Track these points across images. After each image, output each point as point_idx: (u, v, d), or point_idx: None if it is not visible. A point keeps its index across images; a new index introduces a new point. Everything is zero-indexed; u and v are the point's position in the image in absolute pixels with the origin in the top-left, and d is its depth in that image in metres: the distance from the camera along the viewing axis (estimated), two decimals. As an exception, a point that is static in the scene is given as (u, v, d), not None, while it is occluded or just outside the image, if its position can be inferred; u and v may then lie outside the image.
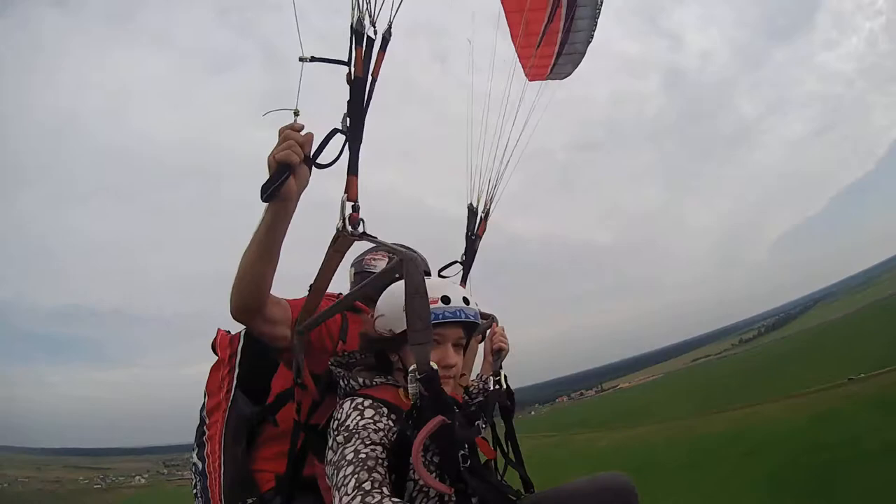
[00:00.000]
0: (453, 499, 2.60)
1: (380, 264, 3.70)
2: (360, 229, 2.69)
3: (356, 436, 2.48)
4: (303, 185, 2.64)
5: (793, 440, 11.72)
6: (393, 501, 2.18)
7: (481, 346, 3.84)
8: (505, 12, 4.69)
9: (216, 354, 3.38)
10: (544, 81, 4.89)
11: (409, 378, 2.44)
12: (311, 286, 2.91)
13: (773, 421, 15.25)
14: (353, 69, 2.71)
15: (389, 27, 2.78)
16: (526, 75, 4.73)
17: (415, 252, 2.49)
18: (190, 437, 3.39)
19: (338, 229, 2.66)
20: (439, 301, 2.79)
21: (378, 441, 2.47)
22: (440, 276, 3.97)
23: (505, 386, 3.41)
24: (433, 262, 3.96)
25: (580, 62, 5.08)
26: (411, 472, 2.56)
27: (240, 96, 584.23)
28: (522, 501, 3.05)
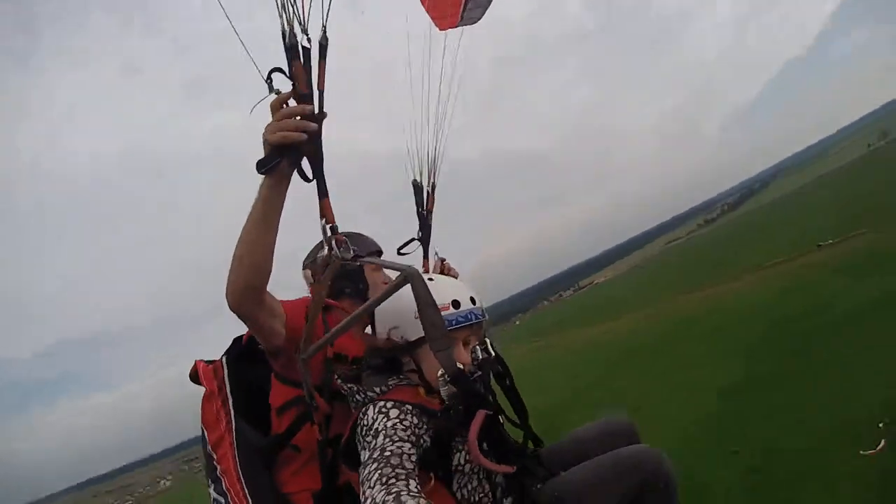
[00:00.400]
0: (500, 482, 2.87)
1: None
2: (350, 250, 2.60)
3: (385, 436, 2.49)
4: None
5: (764, 312, 11.94)
6: (412, 493, 2.15)
7: None
8: None
9: (197, 384, 3.29)
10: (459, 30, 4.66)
11: (440, 381, 2.48)
12: (306, 316, 2.91)
13: (744, 295, 15.57)
14: (295, 87, 2.49)
15: (324, 32, 2.54)
16: (438, 27, 4.57)
17: (411, 266, 2.34)
18: (196, 430, 3.32)
19: (326, 258, 2.61)
20: (450, 306, 2.84)
21: (405, 438, 2.49)
22: (399, 253, 4.05)
23: (493, 352, 3.29)
24: (390, 233, 4.04)
25: (488, 6, 4.87)
26: (456, 462, 2.72)
27: (160, 91, 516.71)
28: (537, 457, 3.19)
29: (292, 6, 2.44)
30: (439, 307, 2.51)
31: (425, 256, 4.21)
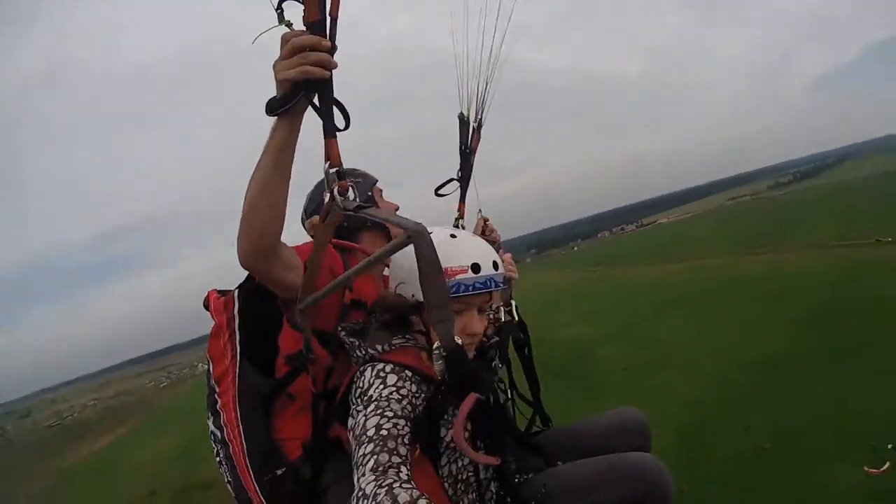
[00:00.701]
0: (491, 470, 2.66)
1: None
2: (352, 196, 2.16)
3: (377, 407, 2.31)
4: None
5: (819, 289, 11.77)
6: (404, 487, 1.95)
7: None
8: None
9: (208, 311, 3.23)
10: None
11: (434, 356, 2.16)
12: (305, 264, 2.55)
13: (800, 271, 15.23)
14: (304, 13, 2.09)
15: None
16: None
17: (418, 223, 2.03)
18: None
19: (326, 205, 2.22)
20: (469, 270, 2.57)
21: (400, 413, 2.31)
22: (437, 194, 3.74)
23: (517, 316, 3.33)
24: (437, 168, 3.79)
25: None
26: (443, 438, 2.52)
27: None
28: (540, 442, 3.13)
29: None
30: (457, 269, 2.53)
31: (462, 199, 3.88)
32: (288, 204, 2.46)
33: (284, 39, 2.12)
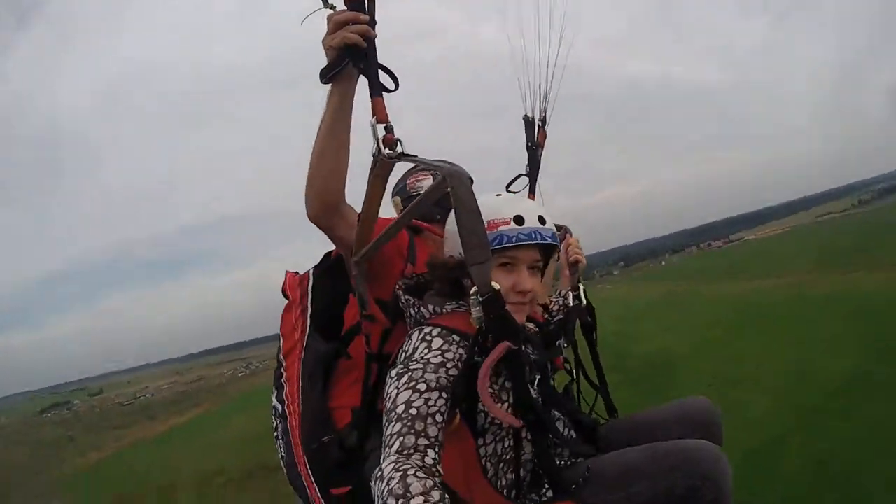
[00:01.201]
0: (528, 435, 2.42)
1: (425, 184, 3.48)
2: (399, 150, 2.33)
3: (411, 379, 2.20)
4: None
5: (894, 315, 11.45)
6: (419, 476, 1.86)
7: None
8: None
9: (287, 298, 3.26)
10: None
11: (471, 302, 2.14)
12: (359, 216, 2.63)
13: (882, 287, 14.75)
14: None
15: None
16: None
17: (457, 166, 2.17)
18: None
19: (374, 154, 2.35)
20: (511, 221, 2.45)
21: (435, 384, 2.18)
22: (508, 191, 3.43)
23: (585, 301, 3.16)
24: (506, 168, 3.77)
25: None
26: (480, 403, 2.25)
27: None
28: (599, 430, 2.89)
29: None
30: (500, 220, 2.44)
31: (531, 192, 3.82)
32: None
33: (329, 19, 2.42)
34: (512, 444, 2.41)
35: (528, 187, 3.79)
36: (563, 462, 2.65)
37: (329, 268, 3.23)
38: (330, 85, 2.51)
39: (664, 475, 2.36)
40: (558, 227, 3.29)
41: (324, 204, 2.65)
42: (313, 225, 2.72)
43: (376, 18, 2.41)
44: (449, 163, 2.24)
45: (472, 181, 2.16)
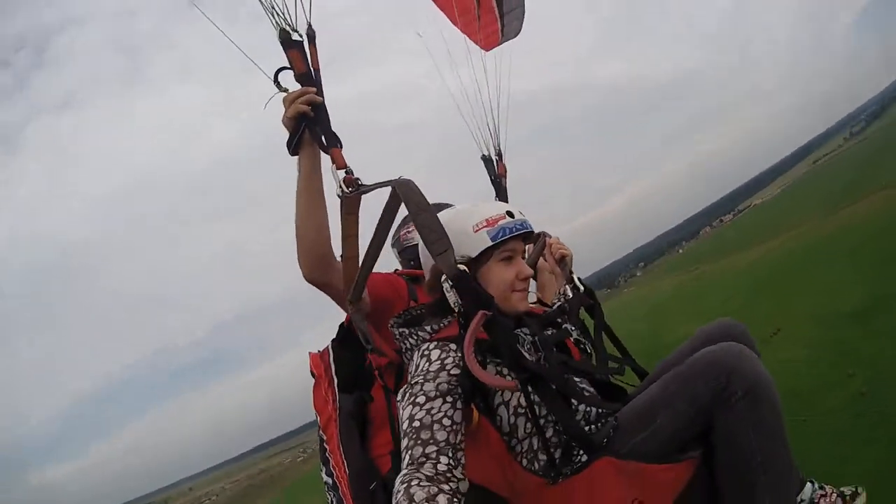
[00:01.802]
0: (543, 412, 2.37)
1: (415, 235, 3.55)
2: (358, 188, 2.63)
3: (411, 394, 2.23)
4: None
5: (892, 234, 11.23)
6: (423, 486, 1.89)
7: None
8: (433, 1, 4.46)
9: (314, 377, 3.28)
10: (499, 47, 4.69)
11: (444, 289, 2.30)
12: (341, 257, 2.79)
13: (878, 213, 14.55)
14: (294, 70, 2.79)
15: (309, 26, 2.79)
16: (483, 49, 4.51)
17: (404, 177, 2.31)
18: None
19: (338, 195, 2.64)
20: (506, 216, 2.63)
21: (434, 393, 2.19)
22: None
23: (582, 287, 3.21)
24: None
25: (523, 16, 4.66)
26: (493, 394, 2.39)
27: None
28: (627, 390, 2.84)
29: (277, 15, 2.75)
30: (496, 217, 2.60)
31: None
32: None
33: (284, 100, 2.76)
34: (531, 422, 2.38)
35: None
36: (591, 427, 2.51)
37: (345, 337, 3.28)
38: (298, 155, 2.80)
39: (683, 393, 2.32)
40: (537, 234, 3.49)
41: (314, 259, 2.82)
42: (311, 285, 2.89)
43: (323, 87, 2.76)
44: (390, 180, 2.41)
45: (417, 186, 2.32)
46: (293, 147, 2.77)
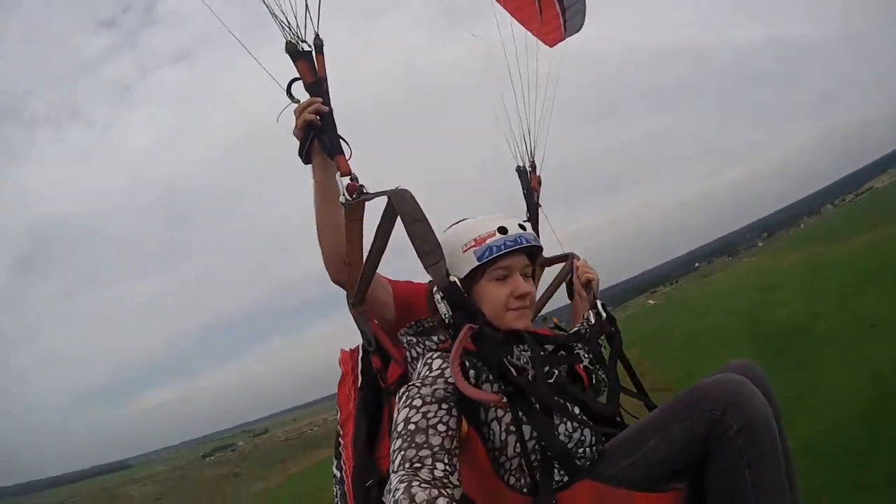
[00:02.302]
0: (511, 416, 2.26)
1: None
2: (363, 194, 2.55)
3: (409, 397, 2.20)
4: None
5: None
6: (423, 487, 1.86)
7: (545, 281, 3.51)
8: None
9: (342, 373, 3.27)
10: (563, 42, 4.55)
11: (436, 300, 2.25)
12: (346, 263, 2.74)
13: None
14: (302, 80, 2.76)
15: (317, 36, 2.75)
16: (547, 45, 4.44)
17: (401, 188, 2.31)
18: None
19: (342, 203, 2.56)
20: (496, 233, 2.49)
21: (431, 398, 2.16)
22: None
23: (605, 314, 2.94)
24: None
25: (585, 10, 4.48)
26: (487, 408, 2.28)
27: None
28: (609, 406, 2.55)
29: (287, 27, 2.73)
30: (485, 235, 2.48)
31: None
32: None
33: (294, 113, 2.73)
34: (515, 437, 2.26)
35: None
36: (584, 450, 2.38)
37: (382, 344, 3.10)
38: (311, 164, 2.79)
39: (678, 420, 2.16)
40: (562, 258, 3.41)
41: (339, 264, 2.77)
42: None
43: (330, 94, 2.75)
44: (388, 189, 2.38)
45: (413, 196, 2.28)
46: (305, 156, 2.77)
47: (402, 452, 2.02)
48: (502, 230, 2.49)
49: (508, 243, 2.46)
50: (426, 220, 2.21)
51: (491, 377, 2.27)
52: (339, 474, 3.01)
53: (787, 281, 21.63)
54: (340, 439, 3.06)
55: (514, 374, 2.20)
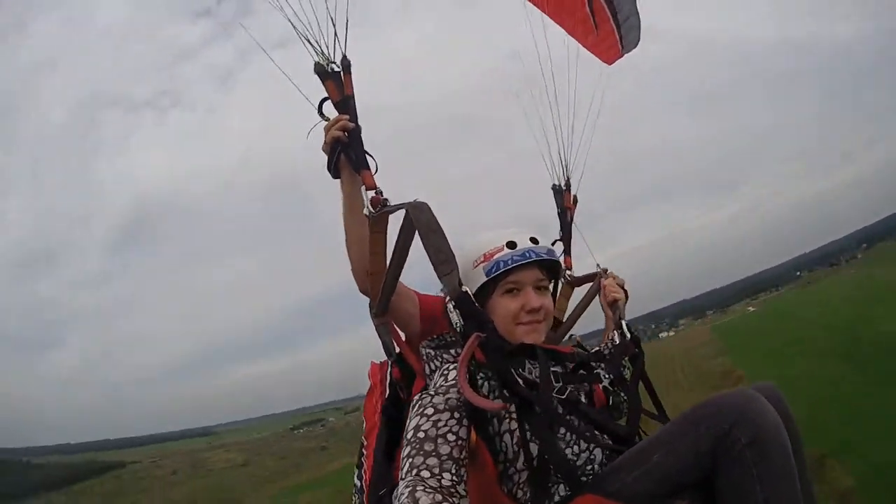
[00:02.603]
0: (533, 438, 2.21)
1: None
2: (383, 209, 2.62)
3: (421, 405, 2.19)
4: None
5: None
6: (427, 491, 1.85)
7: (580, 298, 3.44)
8: (547, 14, 4.03)
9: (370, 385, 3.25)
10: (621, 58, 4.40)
11: (448, 310, 2.24)
12: (369, 273, 2.79)
13: None
14: (331, 99, 2.84)
15: (344, 56, 2.84)
16: (605, 62, 4.33)
17: (419, 200, 2.35)
18: None
19: (365, 214, 2.64)
20: (504, 247, 2.51)
21: (444, 406, 2.15)
22: None
23: (630, 334, 2.87)
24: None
25: (640, 25, 4.31)
26: (500, 419, 2.27)
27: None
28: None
29: (317, 46, 2.84)
30: (494, 250, 2.51)
31: (566, 253, 3.71)
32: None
33: (324, 130, 2.82)
34: (521, 450, 2.23)
35: (564, 251, 3.69)
36: (594, 467, 2.34)
37: (403, 356, 3.11)
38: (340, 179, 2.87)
39: (684, 435, 2.08)
40: (590, 277, 3.35)
41: (365, 273, 2.81)
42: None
43: (357, 111, 2.84)
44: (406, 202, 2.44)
45: (430, 208, 2.34)
46: (333, 170, 2.85)
47: (410, 460, 2.00)
48: (511, 245, 2.52)
49: (516, 258, 2.49)
50: (441, 231, 2.24)
51: (499, 387, 2.25)
52: (359, 483, 3.01)
53: (887, 296, 20.88)
54: (364, 449, 3.06)
55: (521, 384, 2.19)
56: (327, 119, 2.84)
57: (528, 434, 2.20)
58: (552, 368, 2.38)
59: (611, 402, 2.56)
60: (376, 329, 2.92)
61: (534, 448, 2.19)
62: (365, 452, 3.05)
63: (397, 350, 2.98)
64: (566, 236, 3.73)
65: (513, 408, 2.21)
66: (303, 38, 2.84)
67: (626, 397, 2.58)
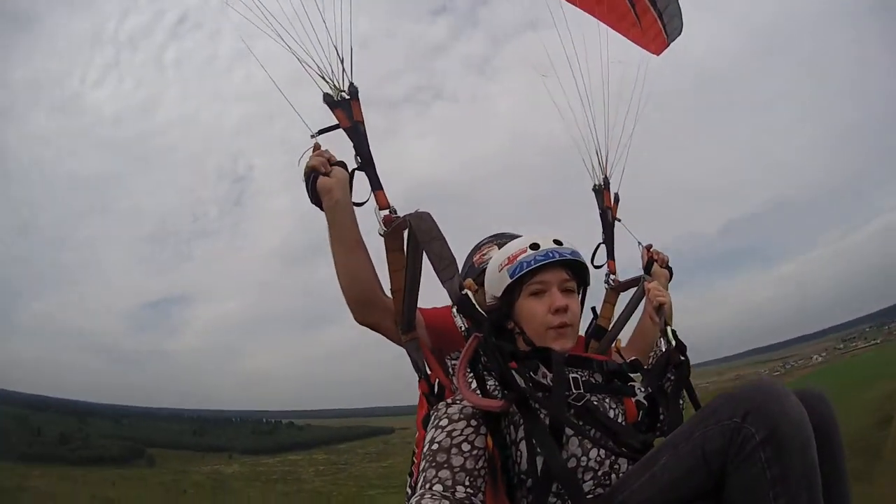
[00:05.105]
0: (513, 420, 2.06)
1: (491, 254, 3.01)
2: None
3: (437, 417, 2.04)
4: (341, 179, 2.50)
5: None
6: (434, 498, 1.74)
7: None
8: (586, 11, 3.72)
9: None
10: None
11: (453, 314, 2.08)
12: (392, 291, 2.52)
13: None
14: (341, 125, 2.68)
15: (351, 84, 2.72)
16: (653, 53, 3.98)
17: (420, 211, 2.19)
18: None
19: (379, 234, 2.44)
20: (528, 249, 2.35)
21: (458, 416, 1.99)
22: (594, 266, 3.26)
23: (675, 342, 2.52)
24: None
25: (680, 11, 3.93)
26: (517, 426, 2.05)
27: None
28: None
29: (326, 78, 2.73)
30: (517, 252, 2.36)
31: (610, 256, 3.39)
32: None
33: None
34: (527, 465, 2.02)
35: (607, 255, 3.39)
36: (612, 477, 2.09)
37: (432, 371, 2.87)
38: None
39: (692, 432, 1.74)
40: (633, 281, 3.14)
41: (360, 303, 2.57)
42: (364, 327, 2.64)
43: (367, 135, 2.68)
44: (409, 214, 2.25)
45: (431, 216, 2.15)
46: (313, 198, 2.55)
47: (424, 474, 1.86)
48: (534, 246, 2.36)
49: (539, 258, 2.33)
50: (442, 237, 2.10)
51: (501, 388, 2.05)
52: (410, 493, 2.75)
53: None
54: (414, 458, 2.85)
55: (522, 384, 1.99)
56: (314, 136, 2.70)
57: (533, 441, 1.97)
58: (572, 375, 2.16)
59: (640, 417, 2.23)
60: (405, 347, 2.60)
61: (540, 460, 1.94)
62: (415, 461, 2.83)
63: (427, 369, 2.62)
64: (608, 238, 3.40)
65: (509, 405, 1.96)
66: (314, 73, 2.74)
67: (665, 411, 2.23)
